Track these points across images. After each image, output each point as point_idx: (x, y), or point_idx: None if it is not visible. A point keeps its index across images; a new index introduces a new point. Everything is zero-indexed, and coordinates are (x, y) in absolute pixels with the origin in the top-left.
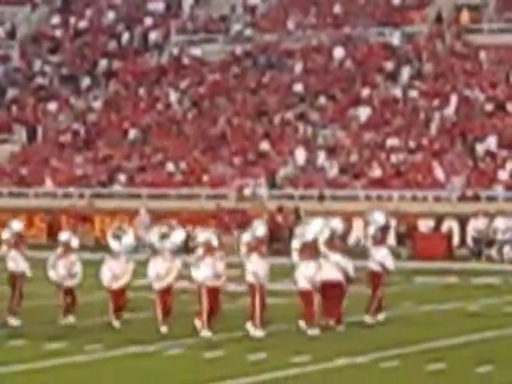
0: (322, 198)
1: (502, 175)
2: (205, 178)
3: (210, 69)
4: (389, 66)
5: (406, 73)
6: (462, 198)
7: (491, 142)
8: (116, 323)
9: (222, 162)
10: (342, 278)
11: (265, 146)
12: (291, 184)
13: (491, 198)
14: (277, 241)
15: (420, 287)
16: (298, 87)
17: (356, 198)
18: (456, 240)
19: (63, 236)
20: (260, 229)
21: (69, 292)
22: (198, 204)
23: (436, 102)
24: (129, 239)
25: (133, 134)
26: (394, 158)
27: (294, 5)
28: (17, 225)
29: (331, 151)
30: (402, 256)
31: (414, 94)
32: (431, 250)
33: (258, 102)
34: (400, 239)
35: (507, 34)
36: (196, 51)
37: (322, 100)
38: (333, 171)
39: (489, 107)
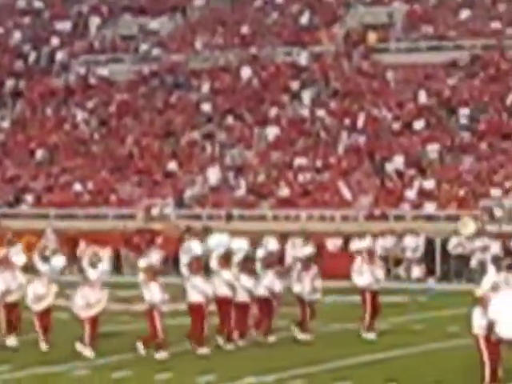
0: (229, 217)
1: (410, 194)
2: (112, 197)
3: (117, 89)
4: (296, 85)
5: (313, 92)
6: (370, 217)
7: (398, 161)
8: (89, 352)
9: (129, 181)
10: (231, 294)
11: (172, 165)
12: (199, 204)
13: (399, 217)
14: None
15: (328, 306)
16: (206, 107)
17: (264, 217)
18: None
19: None
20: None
21: None
22: (105, 224)
23: (343, 122)
24: (105, 266)
25: (40, 154)
26: (301, 178)
27: (202, 25)
28: None
29: (239, 171)
30: None
31: (321, 113)
32: (339, 269)
33: (165, 122)
34: (307, 258)
35: (414, 53)
36: (103, 71)
37: (230, 120)
38: (240, 191)
39: (396, 126)
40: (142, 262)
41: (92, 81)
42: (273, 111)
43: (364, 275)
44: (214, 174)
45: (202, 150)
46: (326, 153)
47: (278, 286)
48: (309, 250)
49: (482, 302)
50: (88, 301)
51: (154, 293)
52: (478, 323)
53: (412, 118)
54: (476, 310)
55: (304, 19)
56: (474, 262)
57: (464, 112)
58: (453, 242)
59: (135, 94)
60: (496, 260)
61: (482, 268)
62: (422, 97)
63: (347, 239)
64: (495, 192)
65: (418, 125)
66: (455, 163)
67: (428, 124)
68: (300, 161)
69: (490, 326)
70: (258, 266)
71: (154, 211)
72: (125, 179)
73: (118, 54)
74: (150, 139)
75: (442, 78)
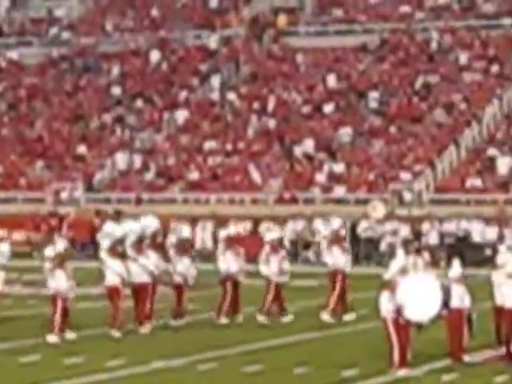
0: (139, 201)
1: (319, 178)
2: (22, 181)
3: (26, 72)
4: (205, 68)
5: (222, 76)
6: (280, 201)
7: (308, 144)
8: None
9: (39, 165)
10: (148, 280)
11: (82, 149)
12: (108, 187)
13: (309, 201)
14: (95, 244)
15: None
16: (115, 90)
17: (173, 201)
18: None
19: None
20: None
21: None
22: (15, 208)
23: (253, 105)
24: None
25: None
26: (211, 161)
27: (112, 8)
28: None
29: (148, 154)
30: None
31: (231, 96)
32: (249, 253)
33: (75, 106)
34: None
35: (324, 36)
36: (12, 54)
37: (140, 103)
38: (150, 174)
39: (306, 110)
40: (49, 251)
41: (1, 64)
42: (182, 95)
43: (271, 265)
44: (122, 158)
45: (112, 133)
46: (236, 136)
47: (192, 271)
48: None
49: (390, 285)
50: None
51: (59, 280)
52: (386, 307)
53: (322, 101)
54: (384, 293)
55: (213, 2)
56: (383, 246)
57: (373, 96)
58: (362, 226)
59: (45, 77)
60: (405, 243)
61: (392, 251)
62: (332, 80)
63: (257, 223)
64: (405, 176)
65: (328, 108)
66: (365, 147)
67: (338, 108)
68: (210, 144)
69: (398, 310)
70: (171, 252)
71: (63, 195)
72: (34, 163)
73: (27, 37)
74: (60, 123)
75: (351, 61)
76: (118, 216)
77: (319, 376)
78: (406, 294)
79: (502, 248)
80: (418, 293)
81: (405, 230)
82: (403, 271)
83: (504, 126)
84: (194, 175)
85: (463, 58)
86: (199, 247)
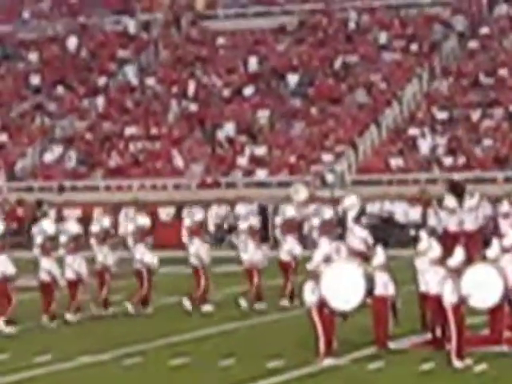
0: (61, 189)
1: (241, 161)
2: None
3: None
4: (125, 54)
5: (142, 60)
6: (202, 185)
7: (229, 128)
8: None
9: None
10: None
11: (3, 137)
12: (30, 176)
13: (231, 185)
14: (17, 234)
15: (163, 278)
16: (35, 78)
17: (96, 188)
18: None
19: None
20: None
21: None
22: None
23: (173, 90)
24: None
25: None
26: (132, 147)
27: None
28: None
29: (69, 142)
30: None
31: (151, 81)
32: (172, 239)
33: None
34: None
35: (243, 19)
36: None
37: (59, 90)
38: (71, 162)
39: (226, 93)
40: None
41: None
42: (102, 80)
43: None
44: (39, 147)
45: (32, 121)
46: (157, 121)
47: (110, 259)
48: (143, 220)
49: (314, 275)
50: None
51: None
52: (310, 297)
53: (242, 84)
54: (308, 283)
55: None
56: (306, 228)
57: (293, 77)
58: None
59: None
60: (325, 228)
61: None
62: (252, 63)
63: (180, 208)
64: (326, 157)
65: (248, 91)
66: (286, 129)
67: (258, 90)
68: (131, 130)
69: (323, 299)
70: (93, 240)
71: None
72: None
73: None
74: None
75: (270, 43)
76: (39, 206)
77: (245, 368)
78: (329, 283)
79: (423, 234)
80: (341, 282)
81: (328, 213)
82: (327, 260)
83: (424, 106)
84: (115, 161)
85: (382, 37)
86: (122, 234)
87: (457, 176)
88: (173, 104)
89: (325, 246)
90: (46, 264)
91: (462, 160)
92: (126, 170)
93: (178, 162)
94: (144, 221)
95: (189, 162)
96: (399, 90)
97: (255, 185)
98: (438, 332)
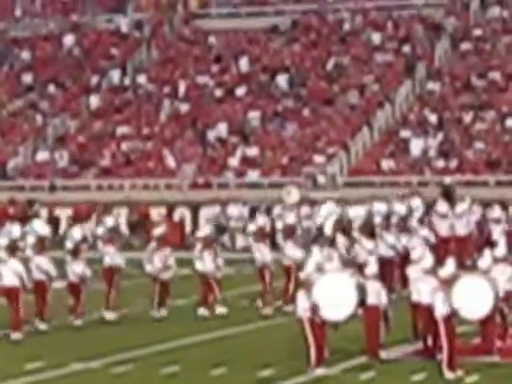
0: (53, 188)
1: (233, 162)
2: None
3: None
4: (118, 53)
5: (135, 59)
6: (194, 186)
7: (221, 128)
8: None
9: None
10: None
11: None
12: (22, 175)
13: (222, 185)
14: None
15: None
16: (27, 76)
17: (87, 187)
18: (188, 228)
19: None
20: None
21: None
22: None
23: (165, 89)
24: None
25: None
26: (124, 147)
27: None
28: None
29: (61, 141)
30: (135, 246)
31: (142, 80)
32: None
33: None
34: (132, 228)
35: (235, 18)
36: None
37: (52, 89)
38: (63, 161)
39: (218, 93)
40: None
41: None
42: (94, 79)
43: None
44: (31, 145)
45: (25, 119)
46: (149, 121)
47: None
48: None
49: (306, 284)
50: None
51: None
52: (302, 306)
53: (234, 84)
54: (300, 292)
55: None
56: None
57: (286, 78)
58: (277, 210)
59: None
60: (317, 236)
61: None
62: (244, 63)
63: (171, 208)
64: (318, 158)
65: (240, 91)
66: (278, 130)
67: (250, 90)
68: (122, 129)
69: (314, 309)
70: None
71: None
72: None
73: None
74: None
75: (263, 43)
76: (30, 205)
77: (236, 377)
78: (321, 293)
79: (416, 242)
80: (333, 292)
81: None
82: (319, 269)
83: (416, 107)
84: (107, 161)
85: (375, 38)
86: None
87: (448, 179)
88: (165, 104)
89: (316, 254)
90: (13, 266)
91: (453, 163)
92: (117, 169)
93: (170, 162)
94: (112, 222)
95: (180, 162)
96: (391, 91)
97: (247, 186)
98: (430, 341)
